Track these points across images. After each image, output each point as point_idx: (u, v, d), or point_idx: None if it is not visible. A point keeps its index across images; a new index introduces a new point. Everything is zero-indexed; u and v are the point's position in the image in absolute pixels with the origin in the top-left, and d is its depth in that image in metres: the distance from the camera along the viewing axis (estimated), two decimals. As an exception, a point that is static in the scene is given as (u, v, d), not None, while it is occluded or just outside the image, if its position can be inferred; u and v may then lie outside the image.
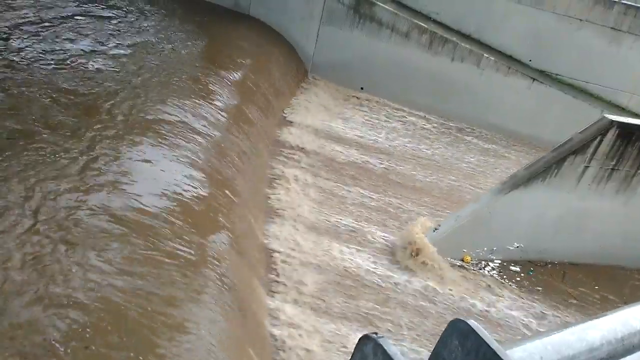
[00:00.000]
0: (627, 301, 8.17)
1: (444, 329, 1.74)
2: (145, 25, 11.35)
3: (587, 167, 8.23)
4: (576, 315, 7.94)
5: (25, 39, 8.92)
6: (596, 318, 2.03)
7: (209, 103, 9.03)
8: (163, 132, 7.44)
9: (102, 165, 6.25)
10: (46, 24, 9.72)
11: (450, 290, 7.83)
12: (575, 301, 8.27)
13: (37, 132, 6.50)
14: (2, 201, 5.28)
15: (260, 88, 11.20)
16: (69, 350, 4.09)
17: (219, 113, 8.96)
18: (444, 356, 1.71)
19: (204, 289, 5.38)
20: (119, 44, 9.88)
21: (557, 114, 12.96)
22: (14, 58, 8.25)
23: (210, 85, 9.67)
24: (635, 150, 8.24)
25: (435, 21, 13.47)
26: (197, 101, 8.79)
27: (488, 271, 8.44)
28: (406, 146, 12.01)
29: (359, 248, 8.22)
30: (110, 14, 11.18)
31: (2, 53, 8.24)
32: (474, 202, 8.80)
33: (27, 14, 9.92)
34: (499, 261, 8.65)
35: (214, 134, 8.29)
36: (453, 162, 11.90)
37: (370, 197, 9.65)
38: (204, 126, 8.25)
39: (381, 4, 13.31)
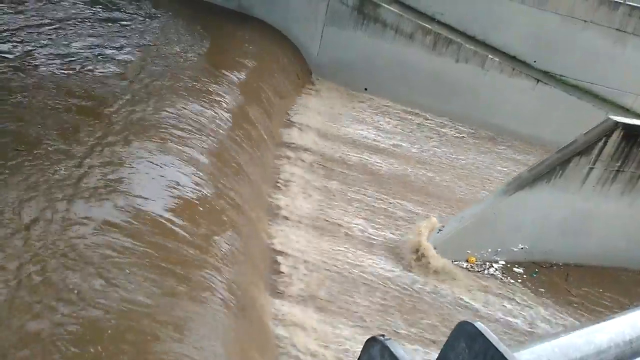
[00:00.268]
0: (631, 303, 8.15)
1: (451, 332, 1.74)
2: (151, 28, 11.37)
3: (592, 168, 8.20)
4: (576, 317, 7.91)
5: (32, 43, 8.92)
6: (604, 321, 2.02)
7: (213, 105, 9.04)
8: (167, 134, 7.44)
9: (106, 169, 6.26)
10: (53, 27, 9.73)
11: (449, 289, 7.84)
12: (576, 301, 8.25)
13: (43, 139, 6.47)
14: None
15: (264, 89, 11.21)
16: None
17: (223, 115, 8.97)
18: (451, 358, 1.71)
19: (208, 289, 5.39)
20: (125, 47, 9.90)
21: (562, 115, 12.93)
22: (21, 62, 8.26)
23: (214, 87, 9.68)
24: (641, 151, 8.21)
25: (439, 22, 13.46)
26: (201, 103, 8.80)
27: (491, 272, 8.41)
28: (410, 148, 12.01)
29: (364, 248, 8.23)
30: (117, 17, 11.21)
31: (9, 58, 8.25)
32: (479, 203, 8.78)
33: (34, 17, 9.96)
34: (503, 262, 8.63)
35: (219, 136, 8.29)
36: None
37: (373, 197, 9.65)
38: (208, 128, 8.25)
39: (385, 5, 13.30)
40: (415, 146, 12.11)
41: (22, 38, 9.01)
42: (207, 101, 9.03)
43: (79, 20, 10.47)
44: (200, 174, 7.02)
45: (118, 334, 4.37)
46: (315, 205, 8.94)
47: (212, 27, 12.44)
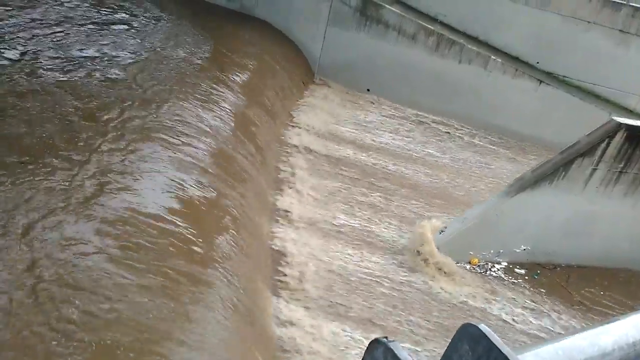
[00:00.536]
0: (634, 305, 8.14)
1: (454, 334, 1.73)
2: (155, 30, 11.40)
3: (594, 169, 8.18)
4: (575, 316, 7.90)
5: (37, 47, 8.92)
6: (608, 323, 2.01)
7: (216, 107, 9.05)
8: (170, 136, 7.44)
9: (110, 172, 6.27)
10: (58, 30, 9.74)
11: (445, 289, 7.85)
12: (576, 301, 8.24)
13: (46, 148, 6.44)
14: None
15: (267, 90, 11.22)
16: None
17: (226, 116, 8.97)
18: (454, 361, 1.70)
19: (210, 288, 5.39)
20: (129, 50, 9.89)
21: (564, 116, 12.91)
22: (26, 67, 8.26)
23: (217, 88, 9.69)
24: (644, 152, 8.19)
25: (442, 23, 13.45)
26: (204, 105, 8.81)
27: (493, 274, 8.40)
28: (414, 148, 12.02)
29: (365, 248, 8.22)
30: (122, 20, 11.24)
31: (14, 62, 8.26)
32: (481, 204, 8.77)
33: (38, 19, 9.99)
34: (506, 264, 8.62)
35: (222, 138, 8.30)
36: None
37: (374, 197, 9.65)
38: (211, 130, 8.26)
39: (387, 6, 13.30)
40: (419, 146, 12.12)
41: (27, 41, 9.02)
42: (210, 103, 9.03)
43: (84, 22, 10.49)
44: (202, 174, 7.02)
45: (119, 327, 4.38)
46: (316, 203, 8.95)
47: (215, 27, 12.45)
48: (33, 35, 9.27)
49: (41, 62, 8.49)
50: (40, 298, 4.42)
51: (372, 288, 7.50)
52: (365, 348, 1.69)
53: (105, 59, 9.26)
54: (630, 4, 12.76)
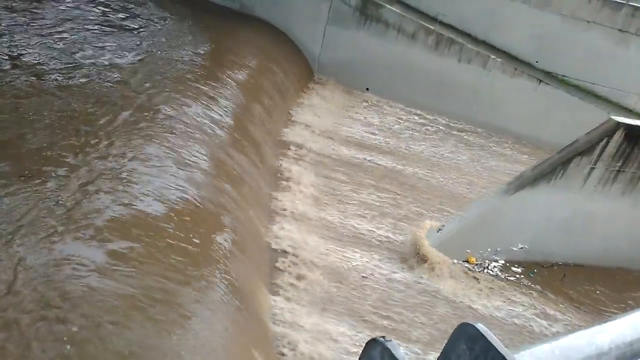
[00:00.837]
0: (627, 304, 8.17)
1: (451, 333, 1.74)
2: (156, 30, 11.39)
3: (593, 168, 8.19)
4: (570, 315, 7.93)
5: (40, 51, 8.91)
6: (604, 322, 2.02)
7: (216, 106, 9.04)
8: (171, 136, 7.45)
9: (110, 172, 6.27)
10: (60, 31, 9.74)
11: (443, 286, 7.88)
12: (573, 300, 8.26)
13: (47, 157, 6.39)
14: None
15: (266, 89, 11.21)
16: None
17: (226, 114, 8.97)
18: (451, 360, 1.71)
19: (208, 287, 5.40)
20: (130, 51, 9.88)
21: (564, 116, 12.92)
22: (30, 70, 8.25)
23: (217, 87, 9.68)
24: (642, 152, 8.20)
25: (441, 22, 13.44)
26: (204, 104, 8.81)
27: (490, 272, 8.42)
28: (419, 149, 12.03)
29: (363, 247, 8.24)
30: (123, 20, 11.22)
31: (17, 65, 8.24)
32: (479, 202, 8.78)
33: (40, 19, 9.99)
34: (503, 262, 8.62)
35: (221, 136, 8.30)
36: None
37: (373, 194, 9.67)
38: (211, 129, 8.26)
39: (387, 5, 13.29)
40: (422, 146, 12.14)
41: (31, 44, 9.01)
42: (210, 102, 9.02)
43: (86, 23, 10.49)
44: (202, 173, 7.03)
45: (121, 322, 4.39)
46: (316, 202, 8.95)
47: (215, 27, 12.45)
48: (37, 38, 9.25)
49: (43, 64, 8.47)
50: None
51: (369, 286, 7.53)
52: (362, 348, 1.70)
53: (108, 60, 9.23)
54: (630, 3, 12.76)
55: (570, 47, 13.07)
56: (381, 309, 7.16)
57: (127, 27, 10.99)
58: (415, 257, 8.13)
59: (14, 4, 10.25)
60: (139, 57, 9.76)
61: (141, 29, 11.17)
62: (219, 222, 6.55)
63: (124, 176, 6.26)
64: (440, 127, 13.25)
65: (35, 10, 10.34)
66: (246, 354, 5.28)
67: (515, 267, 8.62)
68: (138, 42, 10.44)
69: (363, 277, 7.66)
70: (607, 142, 8.00)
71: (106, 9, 11.51)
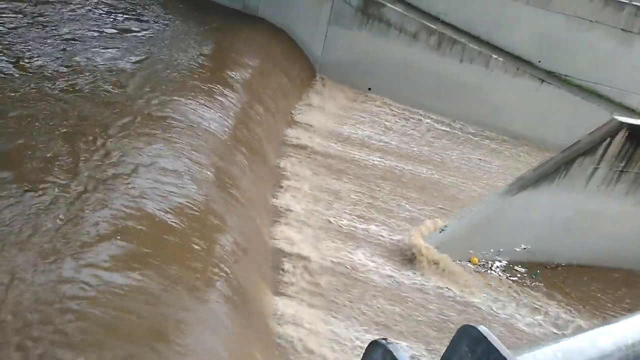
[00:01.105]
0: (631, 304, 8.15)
1: (453, 335, 1.73)
2: (162, 33, 11.43)
3: (596, 168, 8.17)
4: (572, 315, 7.92)
5: (45, 54, 8.92)
6: (607, 324, 2.01)
7: (218, 106, 9.04)
8: (172, 136, 7.45)
9: (115, 168, 6.28)
10: (65, 36, 9.75)
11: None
12: (575, 301, 8.25)
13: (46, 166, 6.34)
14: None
15: (268, 89, 11.22)
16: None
17: (228, 115, 8.98)
18: (453, 362, 1.70)
19: (211, 288, 5.40)
20: (132, 53, 9.89)
21: (566, 116, 12.90)
22: (34, 74, 8.25)
23: (219, 88, 9.68)
24: (645, 152, 8.18)
25: (443, 22, 13.43)
26: (206, 104, 8.81)
27: (492, 272, 8.40)
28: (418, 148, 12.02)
29: (360, 245, 8.25)
30: (127, 24, 11.24)
31: (21, 69, 8.24)
32: (482, 203, 8.76)
33: (40, 17, 10.00)
34: (506, 263, 8.61)
35: (223, 136, 8.30)
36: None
37: (366, 194, 9.67)
38: (213, 128, 8.27)
39: (389, 5, 13.28)
40: (422, 147, 12.13)
41: (37, 46, 9.02)
42: (212, 102, 9.03)
43: (90, 26, 10.51)
44: (204, 173, 7.03)
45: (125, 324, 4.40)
46: (315, 202, 8.95)
47: (218, 28, 12.47)
48: (42, 41, 9.26)
49: (47, 68, 8.48)
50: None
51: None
52: (364, 349, 1.70)
53: (110, 63, 9.23)
54: (633, 3, 12.73)
55: (573, 47, 13.05)
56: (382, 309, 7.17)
57: (131, 30, 11.02)
58: (417, 258, 8.12)
59: (23, 8, 10.28)
60: (142, 60, 9.77)
61: (145, 31, 11.21)
62: (221, 223, 6.55)
63: (124, 177, 6.27)
64: (441, 127, 13.25)
65: (41, 13, 10.36)
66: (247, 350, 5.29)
67: (519, 267, 8.61)
68: (142, 44, 10.46)
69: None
70: (610, 142, 7.98)
71: (110, 11, 11.54)
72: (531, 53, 13.32)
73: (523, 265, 8.67)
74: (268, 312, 6.36)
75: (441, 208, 9.89)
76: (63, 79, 8.28)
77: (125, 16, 11.55)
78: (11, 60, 8.39)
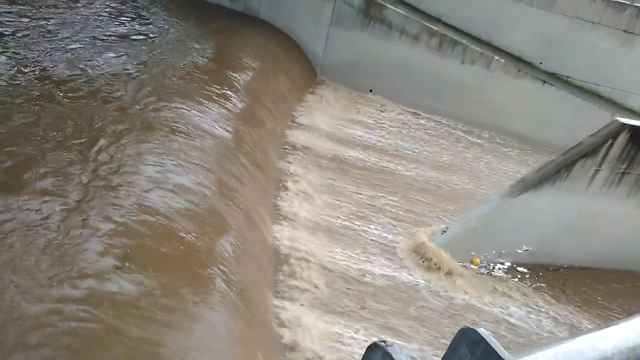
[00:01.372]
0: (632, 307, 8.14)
1: (453, 337, 1.73)
2: (164, 36, 11.44)
3: (597, 170, 8.15)
4: (574, 318, 7.90)
5: (50, 58, 8.93)
6: (607, 327, 2.00)
7: (220, 107, 9.05)
8: (173, 136, 7.46)
9: (115, 175, 6.28)
10: (66, 40, 9.77)
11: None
12: (575, 303, 8.23)
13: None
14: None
15: (269, 91, 11.23)
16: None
17: (229, 116, 8.98)
18: (453, 364, 1.70)
19: (211, 289, 5.40)
20: (138, 58, 9.90)
21: (568, 117, 12.89)
22: (37, 77, 8.26)
23: (220, 89, 9.69)
24: (647, 153, 8.16)
25: (445, 23, 13.44)
26: (207, 106, 8.82)
27: (494, 274, 8.39)
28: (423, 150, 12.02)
29: (360, 248, 8.25)
30: (129, 27, 11.26)
31: (32, 77, 8.24)
32: (483, 204, 8.75)
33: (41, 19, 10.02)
34: (508, 264, 8.60)
35: (224, 138, 8.31)
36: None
37: (367, 194, 9.69)
38: (213, 129, 8.27)
39: (391, 6, 13.29)
40: (423, 146, 12.13)
41: (40, 51, 9.04)
42: (213, 104, 9.03)
43: (93, 30, 10.53)
44: (205, 174, 7.03)
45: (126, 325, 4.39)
46: (317, 205, 8.96)
47: (219, 29, 12.49)
48: (46, 46, 9.27)
49: (51, 73, 8.48)
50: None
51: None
52: (364, 352, 1.69)
53: (112, 67, 9.24)
54: (635, 4, 12.74)
55: (575, 48, 13.04)
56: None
57: (134, 33, 11.05)
58: (418, 259, 8.12)
59: (28, 13, 10.31)
60: (144, 62, 9.79)
61: (149, 34, 11.22)
62: (223, 223, 6.56)
63: (125, 177, 6.28)
64: (443, 128, 13.25)
65: (46, 17, 10.39)
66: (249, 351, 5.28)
67: (521, 269, 8.60)
68: (145, 48, 10.48)
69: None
70: (612, 144, 7.96)
71: (114, 15, 11.58)
72: (532, 54, 13.32)
73: (525, 266, 8.66)
74: (269, 317, 6.36)
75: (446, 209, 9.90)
76: (67, 84, 8.28)
77: (129, 19, 11.58)
78: (14, 65, 8.40)
